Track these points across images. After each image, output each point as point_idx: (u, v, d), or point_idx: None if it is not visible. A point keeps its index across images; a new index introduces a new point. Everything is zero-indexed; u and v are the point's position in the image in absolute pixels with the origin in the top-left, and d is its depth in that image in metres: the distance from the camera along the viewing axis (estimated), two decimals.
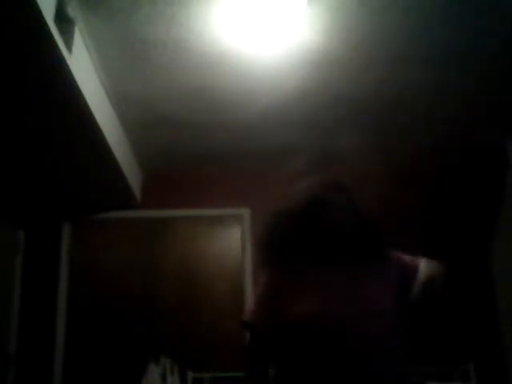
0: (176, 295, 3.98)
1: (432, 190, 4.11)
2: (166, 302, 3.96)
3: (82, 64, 2.44)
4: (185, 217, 4.16)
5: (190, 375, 3.60)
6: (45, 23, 1.92)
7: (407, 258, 1.77)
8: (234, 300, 3.90)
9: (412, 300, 1.66)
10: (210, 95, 3.03)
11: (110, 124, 3.02)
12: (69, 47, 2.19)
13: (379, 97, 3.11)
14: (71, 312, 3.92)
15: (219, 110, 3.22)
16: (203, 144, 3.70)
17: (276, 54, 2.63)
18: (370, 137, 3.60)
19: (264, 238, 1.80)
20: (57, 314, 3.88)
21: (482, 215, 4.00)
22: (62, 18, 2.07)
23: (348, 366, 1.52)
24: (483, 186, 4.01)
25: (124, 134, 3.43)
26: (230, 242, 4.14)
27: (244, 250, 4.05)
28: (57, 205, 3.94)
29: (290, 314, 1.61)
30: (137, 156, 3.84)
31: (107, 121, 2.94)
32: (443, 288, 1.67)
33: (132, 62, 2.69)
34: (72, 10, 2.18)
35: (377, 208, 1.84)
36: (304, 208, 1.70)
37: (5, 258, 3.79)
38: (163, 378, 3.24)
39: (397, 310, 1.62)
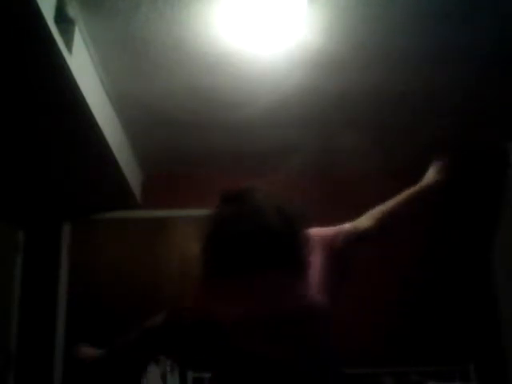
0: (176, 295, 3.97)
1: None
2: (166, 301, 3.94)
3: (82, 64, 2.44)
4: (185, 217, 4.15)
5: (190, 375, 3.60)
6: (45, 23, 1.92)
7: (327, 229, 1.73)
8: None
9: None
10: (210, 95, 3.03)
11: (110, 124, 3.01)
12: (69, 47, 2.19)
13: (379, 97, 3.11)
14: (71, 312, 3.92)
15: (219, 110, 3.21)
16: (203, 144, 3.70)
17: (276, 54, 2.63)
18: (369, 137, 3.60)
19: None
20: (57, 314, 3.88)
21: (483, 215, 4.00)
22: (62, 18, 2.07)
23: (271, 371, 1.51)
24: (483, 186, 4.00)
25: (124, 134, 3.43)
26: None
27: None
28: (57, 205, 3.94)
29: (217, 314, 1.65)
30: (137, 156, 3.84)
31: (107, 121, 2.94)
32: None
33: (132, 62, 2.69)
34: (72, 10, 2.18)
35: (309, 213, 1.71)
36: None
37: (5, 258, 3.79)
38: (163, 378, 3.24)
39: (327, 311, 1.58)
